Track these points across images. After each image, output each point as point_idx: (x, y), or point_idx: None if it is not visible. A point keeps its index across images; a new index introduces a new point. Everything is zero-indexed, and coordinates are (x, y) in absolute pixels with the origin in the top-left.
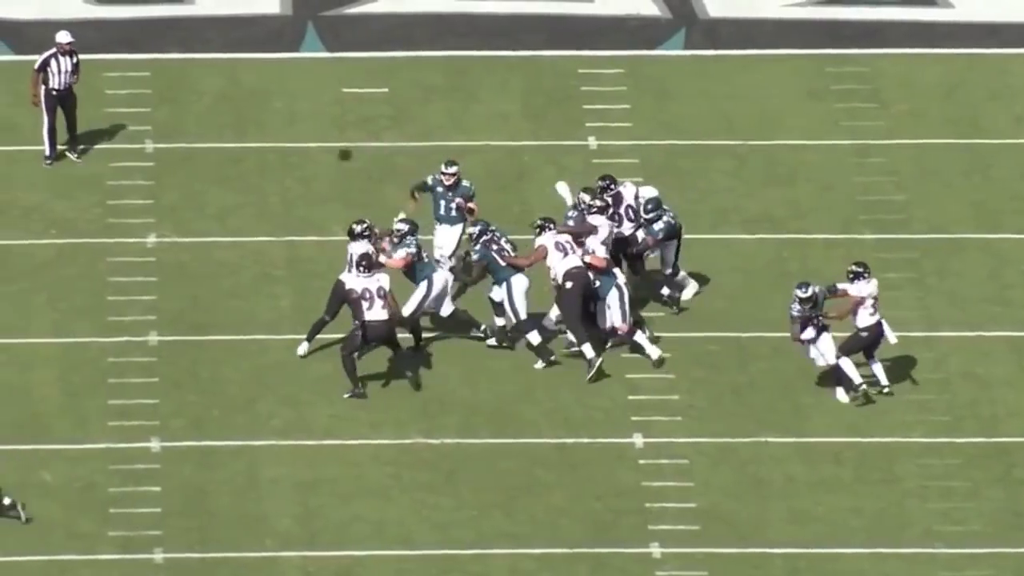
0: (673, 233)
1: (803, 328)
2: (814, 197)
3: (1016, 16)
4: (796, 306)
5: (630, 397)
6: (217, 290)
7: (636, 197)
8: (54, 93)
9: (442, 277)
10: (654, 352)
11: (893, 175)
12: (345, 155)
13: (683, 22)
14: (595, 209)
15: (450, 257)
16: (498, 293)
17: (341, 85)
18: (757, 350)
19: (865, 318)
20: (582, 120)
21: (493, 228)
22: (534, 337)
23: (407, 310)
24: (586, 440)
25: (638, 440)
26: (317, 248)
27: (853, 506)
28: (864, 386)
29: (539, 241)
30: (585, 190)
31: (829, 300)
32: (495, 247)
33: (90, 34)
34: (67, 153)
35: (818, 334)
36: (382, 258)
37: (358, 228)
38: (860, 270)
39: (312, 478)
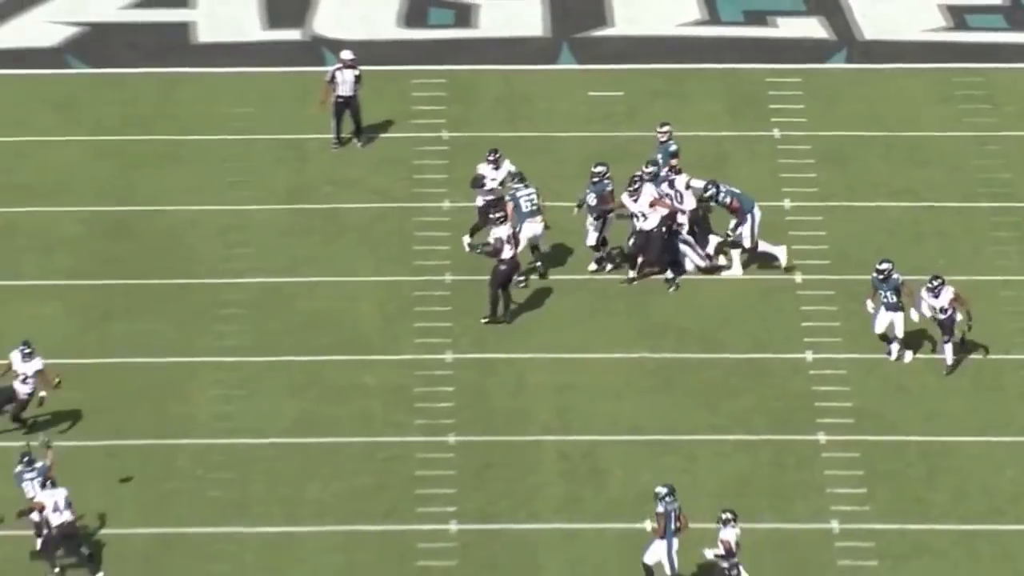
0: (746, 208)
1: (874, 296)
2: (944, 175)
3: None
4: (874, 274)
5: (803, 324)
6: None
7: (687, 184)
8: (339, 100)
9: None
10: (783, 258)
11: (1003, 159)
12: None
13: (845, 43)
14: (648, 177)
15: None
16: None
17: (588, 89)
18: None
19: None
20: (768, 116)
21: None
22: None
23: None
24: (769, 355)
25: (809, 356)
26: (560, 213)
27: (970, 407)
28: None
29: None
30: (649, 163)
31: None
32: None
33: (402, 51)
34: (354, 141)
35: (893, 307)
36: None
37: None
38: (935, 283)
39: (566, 382)
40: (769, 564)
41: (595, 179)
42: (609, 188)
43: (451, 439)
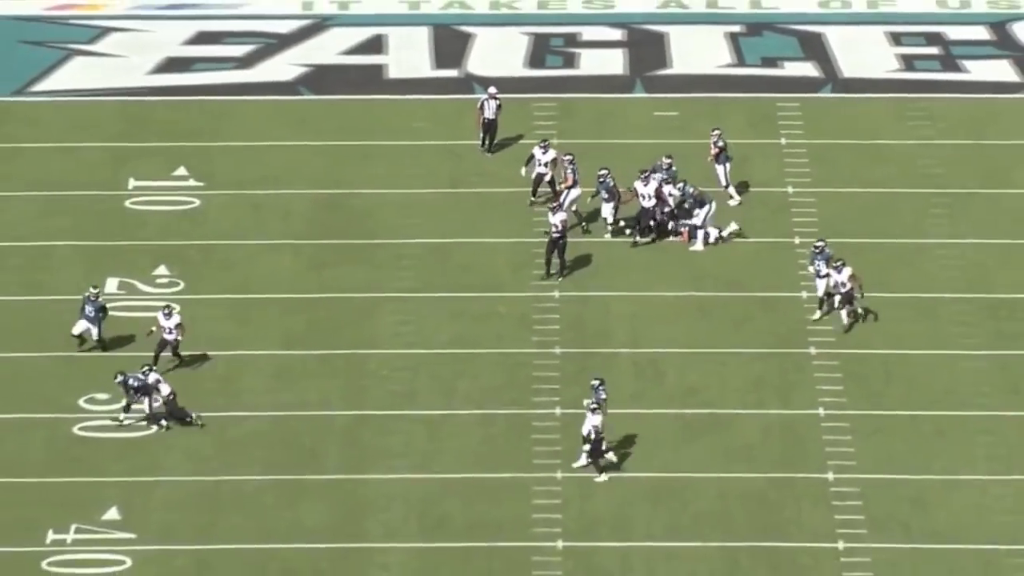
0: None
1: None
2: (898, 170)
3: None
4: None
5: (799, 273)
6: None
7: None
8: (485, 121)
9: None
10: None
11: (938, 159)
12: None
13: (831, 80)
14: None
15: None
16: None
17: (653, 111)
18: None
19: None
20: (778, 130)
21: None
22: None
23: None
24: (776, 294)
25: (803, 294)
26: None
27: (911, 330)
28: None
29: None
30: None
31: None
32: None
33: (527, 84)
34: (486, 153)
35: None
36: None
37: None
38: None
39: (636, 312)
40: (776, 444)
41: (600, 180)
42: (612, 184)
43: (557, 351)
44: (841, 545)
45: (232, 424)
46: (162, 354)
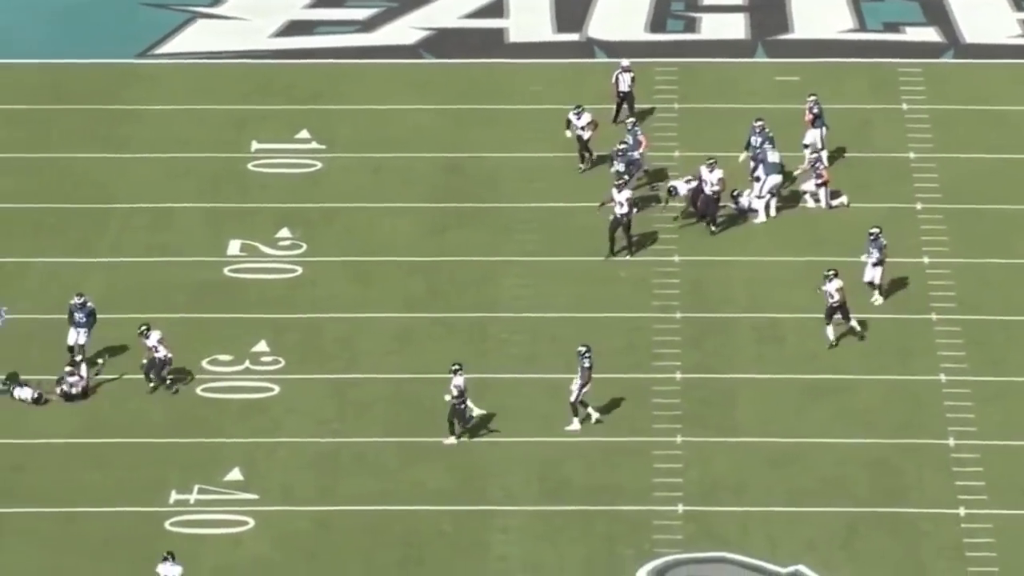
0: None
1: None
2: (1015, 136)
3: None
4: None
5: (922, 238)
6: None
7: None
8: (620, 94)
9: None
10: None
11: None
12: None
13: (952, 44)
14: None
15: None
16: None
17: (775, 75)
18: None
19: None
20: (899, 95)
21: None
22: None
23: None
24: (894, 259)
25: (927, 263)
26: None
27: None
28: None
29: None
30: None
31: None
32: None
33: (649, 48)
34: (629, 119)
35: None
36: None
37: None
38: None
39: (756, 276)
40: (896, 409)
41: (619, 151)
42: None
43: (677, 315)
44: (962, 511)
45: (352, 386)
46: (151, 374)
